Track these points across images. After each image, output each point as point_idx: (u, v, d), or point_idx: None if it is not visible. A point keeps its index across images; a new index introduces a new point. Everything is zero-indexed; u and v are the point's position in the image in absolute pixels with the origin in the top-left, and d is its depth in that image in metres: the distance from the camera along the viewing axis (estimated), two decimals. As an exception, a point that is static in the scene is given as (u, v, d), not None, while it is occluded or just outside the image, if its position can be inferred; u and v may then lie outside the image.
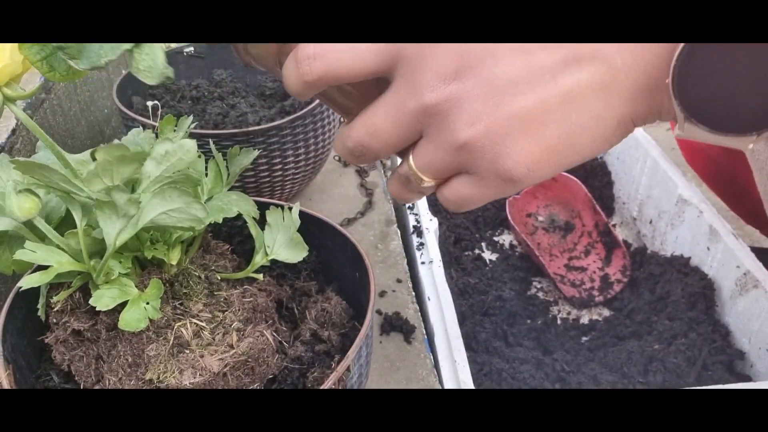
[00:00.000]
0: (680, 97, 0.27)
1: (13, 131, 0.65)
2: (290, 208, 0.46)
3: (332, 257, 0.52)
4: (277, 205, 0.47)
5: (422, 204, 0.76)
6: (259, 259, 0.45)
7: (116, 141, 0.35)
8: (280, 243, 0.46)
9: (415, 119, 0.31)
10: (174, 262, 0.43)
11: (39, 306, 0.43)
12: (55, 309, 0.42)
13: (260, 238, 0.45)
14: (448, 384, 0.57)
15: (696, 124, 0.28)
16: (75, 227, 0.40)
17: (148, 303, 0.41)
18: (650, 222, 0.85)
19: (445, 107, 0.29)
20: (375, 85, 0.33)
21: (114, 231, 0.38)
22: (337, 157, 0.92)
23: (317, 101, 0.70)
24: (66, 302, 0.43)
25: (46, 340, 0.43)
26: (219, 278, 0.45)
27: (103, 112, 0.91)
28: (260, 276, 0.46)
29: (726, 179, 0.67)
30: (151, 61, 0.33)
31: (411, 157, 0.32)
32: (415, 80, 0.30)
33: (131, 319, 0.40)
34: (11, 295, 0.45)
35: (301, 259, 0.46)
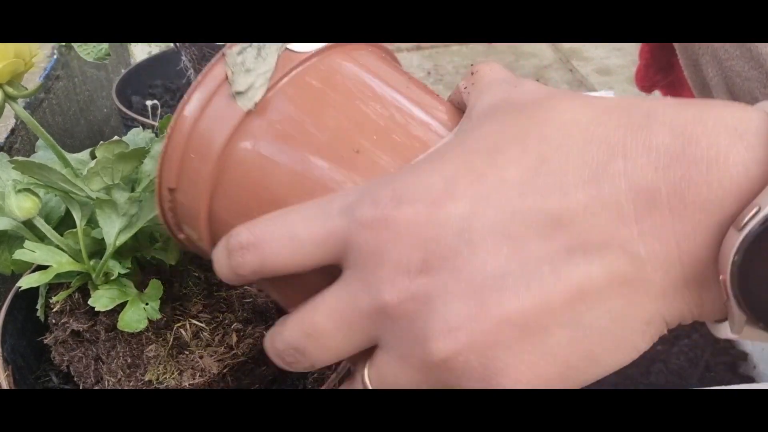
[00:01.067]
0: (743, 298, 0.21)
1: (12, 131, 0.65)
2: None
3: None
4: None
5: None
6: None
7: (116, 137, 0.35)
8: None
9: (369, 322, 0.24)
10: (173, 262, 0.42)
11: (38, 306, 0.43)
12: (54, 310, 0.42)
13: None
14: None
15: (764, 328, 0.21)
16: (74, 227, 0.40)
17: (147, 303, 0.41)
18: (652, 222, 0.84)
19: (411, 309, 0.22)
20: (323, 271, 0.26)
21: (114, 230, 0.38)
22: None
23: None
24: (65, 303, 0.42)
25: (45, 341, 0.43)
26: (218, 278, 0.45)
27: (103, 111, 0.91)
28: None
29: None
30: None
31: (366, 373, 0.26)
32: (370, 273, 0.23)
33: (130, 320, 0.40)
34: (10, 296, 0.45)
35: None
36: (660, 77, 0.73)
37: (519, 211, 0.22)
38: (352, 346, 0.25)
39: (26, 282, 0.39)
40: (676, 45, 0.61)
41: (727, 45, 0.50)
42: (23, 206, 0.38)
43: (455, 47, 1.44)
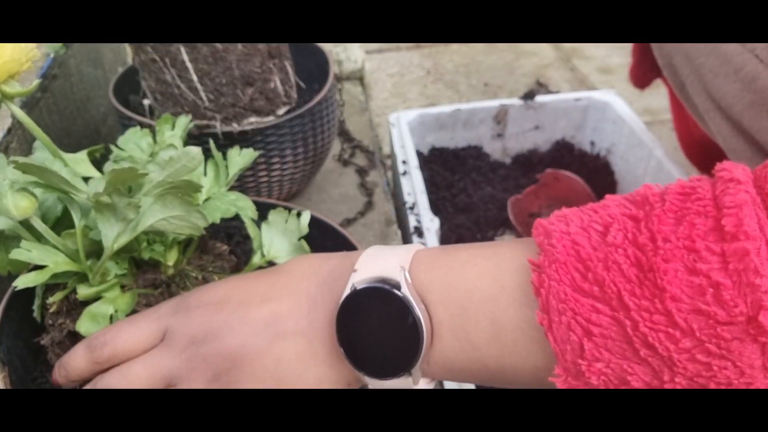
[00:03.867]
0: (346, 353, 0.34)
1: (9, 130, 0.64)
2: (299, 214, 0.45)
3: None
4: (285, 208, 0.46)
5: (423, 204, 0.75)
6: (256, 260, 0.45)
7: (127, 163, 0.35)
8: (279, 246, 0.45)
9: (167, 371, 0.37)
10: (171, 263, 0.42)
11: (35, 307, 0.43)
12: (51, 310, 0.42)
13: (258, 239, 0.44)
14: (449, 384, 0.57)
15: (366, 374, 0.34)
16: (71, 227, 0.40)
17: (116, 311, 0.41)
18: (653, 222, 0.84)
19: (195, 364, 0.36)
20: None
21: (112, 234, 0.38)
22: (336, 157, 0.91)
23: (318, 99, 0.69)
24: (62, 303, 0.42)
25: (42, 342, 0.43)
26: (216, 279, 0.45)
27: (100, 110, 0.90)
28: None
29: None
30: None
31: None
32: (173, 343, 0.37)
33: (89, 325, 0.40)
34: (7, 296, 0.44)
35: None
36: (653, 74, 0.73)
37: (257, 310, 0.36)
38: (153, 384, 0.37)
39: (22, 282, 0.38)
40: (653, 47, 0.61)
41: (696, 44, 0.51)
42: (20, 206, 0.38)
43: (455, 46, 1.44)
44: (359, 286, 0.33)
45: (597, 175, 0.94)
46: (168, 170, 0.37)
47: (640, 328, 0.26)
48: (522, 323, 0.30)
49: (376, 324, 0.33)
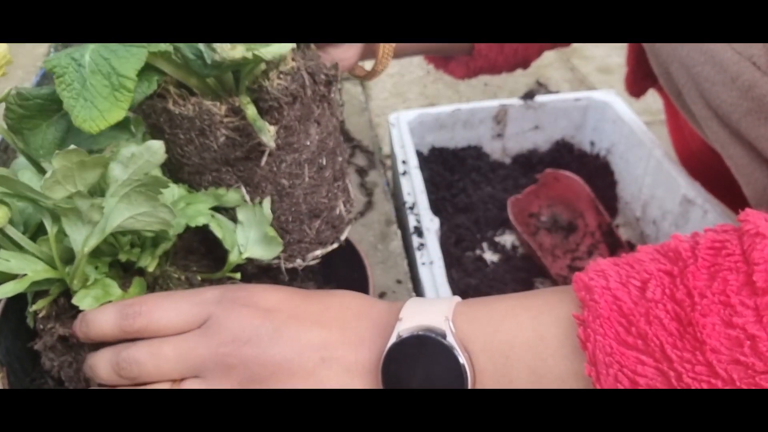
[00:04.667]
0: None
1: (9, 130, 0.64)
2: (260, 203, 0.45)
3: (331, 257, 0.51)
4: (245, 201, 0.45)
5: (423, 204, 0.75)
6: (233, 258, 0.44)
7: (73, 146, 0.34)
8: (254, 240, 0.44)
9: (199, 361, 0.37)
10: (151, 269, 0.42)
11: (27, 313, 0.42)
12: (41, 315, 0.41)
13: (229, 237, 0.44)
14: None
15: None
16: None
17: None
18: (654, 222, 0.84)
19: (231, 362, 0.36)
20: None
21: (81, 237, 0.37)
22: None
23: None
24: (51, 308, 0.42)
25: (35, 347, 0.42)
26: (200, 279, 0.44)
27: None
28: (237, 275, 0.45)
29: (722, 183, 0.67)
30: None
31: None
32: (213, 334, 0.37)
33: (91, 301, 0.39)
34: (4, 299, 0.44)
35: (275, 254, 0.44)
36: (648, 82, 0.74)
37: (308, 330, 0.37)
38: (179, 374, 0.37)
39: (2, 292, 0.38)
40: (649, 55, 0.62)
41: (693, 52, 0.52)
42: None
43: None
44: (405, 334, 0.35)
45: (597, 175, 0.94)
46: (131, 167, 0.36)
47: (683, 379, 0.28)
48: (562, 373, 0.33)
49: (421, 369, 0.35)
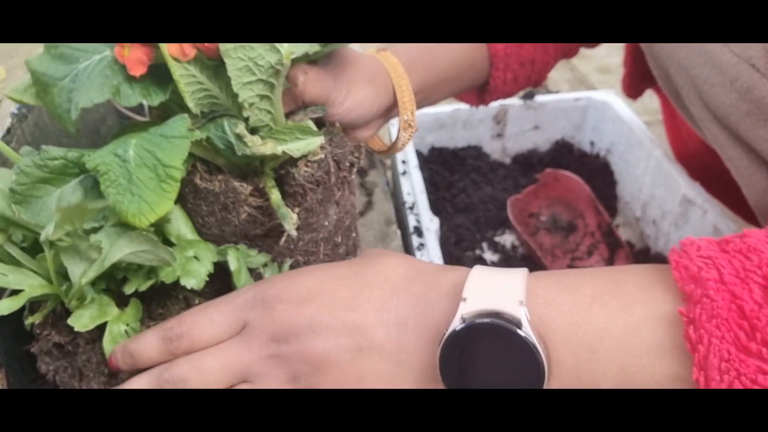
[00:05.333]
0: (445, 382, 0.32)
1: (8, 130, 0.64)
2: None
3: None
4: None
5: (423, 204, 0.75)
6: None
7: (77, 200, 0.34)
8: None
9: (244, 368, 0.36)
10: (142, 289, 0.41)
11: (25, 319, 0.42)
12: (37, 321, 0.41)
13: (244, 275, 0.43)
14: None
15: None
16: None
17: (128, 325, 0.40)
18: (654, 222, 0.84)
19: (275, 362, 0.35)
20: None
21: (78, 271, 0.37)
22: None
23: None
24: (47, 315, 0.41)
25: (31, 350, 0.42)
26: (198, 302, 0.44)
27: (99, 110, 0.90)
28: None
29: (720, 183, 0.67)
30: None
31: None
32: (254, 339, 0.36)
33: (112, 344, 0.39)
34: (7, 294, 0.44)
35: None
36: (645, 84, 0.74)
37: (342, 318, 0.35)
38: (226, 383, 0.36)
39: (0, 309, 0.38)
40: (647, 58, 0.62)
41: (691, 54, 0.52)
42: None
43: (455, 46, 1.44)
44: (471, 320, 0.31)
45: (596, 174, 0.94)
46: None
47: None
48: (656, 374, 0.29)
49: (488, 362, 0.31)
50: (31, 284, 0.38)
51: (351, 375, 0.34)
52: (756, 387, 0.26)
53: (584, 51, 1.45)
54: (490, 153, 0.99)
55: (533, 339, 0.30)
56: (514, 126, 0.97)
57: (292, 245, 0.43)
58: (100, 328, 0.40)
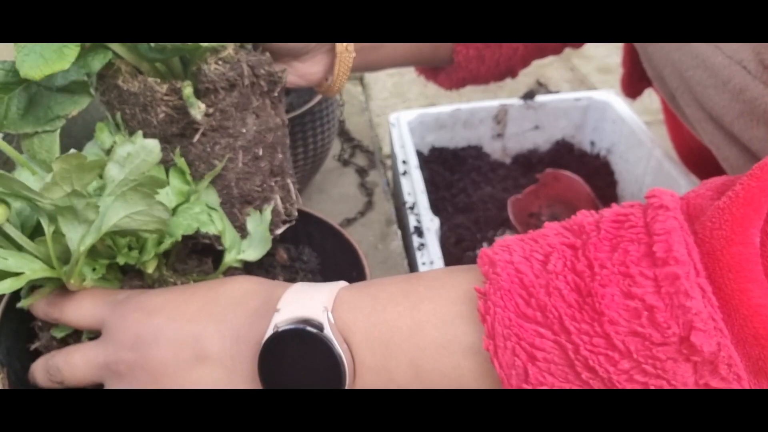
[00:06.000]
0: (264, 386, 0.35)
1: (9, 130, 0.64)
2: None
3: (331, 257, 0.51)
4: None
5: (423, 204, 0.75)
6: (229, 259, 0.44)
7: (73, 150, 0.34)
8: (255, 243, 0.45)
9: (101, 366, 0.38)
10: (150, 271, 0.42)
11: (20, 305, 0.43)
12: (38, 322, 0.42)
13: (230, 235, 0.44)
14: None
15: None
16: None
17: None
18: (653, 222, 0.84)
19: (121, 369, 0.38)
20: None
21: (77, 236, 0.37)
22: (336, 157, 0.91)
23: (318, 99, 0.69)
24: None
25: (32, 348, 0.43)
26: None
27: (100, 110, 0.90)
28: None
29: (717, 174, 0.68)
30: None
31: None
32: (109, 342, 0.38)
33: None
34: (6, 298, 0.44)
35: (263, 254, 0.46)
36: (644, 84, 0.74)
37: (183, 329, 0.37)
38: (90, 380, 0.39)
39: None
40: (642, 59, 0.62)
41: (684, 56, 0.52)
42: None
43: (455, 46, 1.44)
44: (282, 327, 0.34)
45: (597, 174, 0.94)
46: (128, 167, 0.36)
47: (581, 351, 0.28)
48: (442, 366, 0.32)
49: (298, 364, 0.34)
50: (31, 267, 0.38)
51: (187, 383, 0.36)
52: (535, 351, 0.28)
53: (584, 51, 1.46)
54: (490, 153, 0.99)
55: (332, 339, 0.33)
56: (514, 126, 0.97)
57: (208, 147, 0.43)
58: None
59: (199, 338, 0.36)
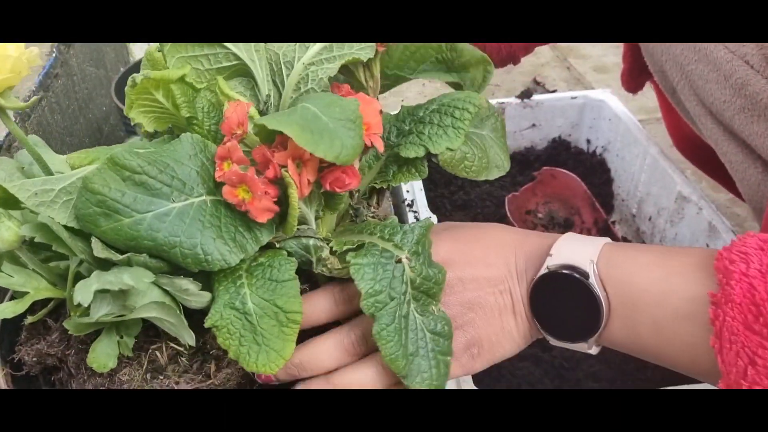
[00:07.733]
0: (537, 319, 0.43)
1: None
2: None
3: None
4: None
5: (421, 201, 0.76)
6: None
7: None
8: None
9: (351, 347, 0.42)
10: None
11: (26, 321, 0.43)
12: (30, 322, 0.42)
13: None
14: (448, 382, 0.57)
15: (551, 337, 0.43)
16: (47, 249, 0.38)
17: (122, 336, 0.40)
18: (649, 219, 0.85)
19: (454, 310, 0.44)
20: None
21: (101, 312, 0.37)
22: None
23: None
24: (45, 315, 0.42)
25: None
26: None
27: (102, 109, 0.91)
28: None
29: (721, 167, 0.68)
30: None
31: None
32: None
33: (100, 355, 0.39)
34: (8, 297, 0.45)
35: None
36: (644, 78, 0.74)
37: (474, 273, 0.44)
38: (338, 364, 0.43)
39: (1, 313, 0.38)
40: (643, 53, 0.62)
41: (686, 51, 0.52)
42: (4, 238, 0.37)
43: (453, 45, 1.44)
44: (553, 270, 0.41)
45: (593, 172, 0.95)
46: None
47: None
48: (682, 334, 0.37)
49: (564, 302, 0.41)
50: (35, 286, 0.38)
51: (495, 308, 0.43)
52: (757, 358, 0.33)
53: (581, 50, 1.46)
54: (487, 151, 1.00)
55: (596, 288, 0.40)
56: (511, 124, 0.98)
57: None
58: (97, 331, 0.40)
59: (497, 278, 0.44)
